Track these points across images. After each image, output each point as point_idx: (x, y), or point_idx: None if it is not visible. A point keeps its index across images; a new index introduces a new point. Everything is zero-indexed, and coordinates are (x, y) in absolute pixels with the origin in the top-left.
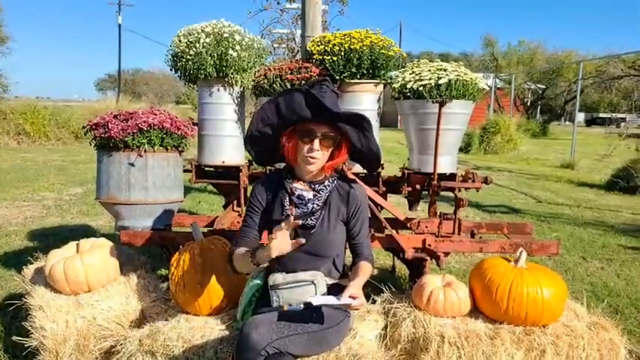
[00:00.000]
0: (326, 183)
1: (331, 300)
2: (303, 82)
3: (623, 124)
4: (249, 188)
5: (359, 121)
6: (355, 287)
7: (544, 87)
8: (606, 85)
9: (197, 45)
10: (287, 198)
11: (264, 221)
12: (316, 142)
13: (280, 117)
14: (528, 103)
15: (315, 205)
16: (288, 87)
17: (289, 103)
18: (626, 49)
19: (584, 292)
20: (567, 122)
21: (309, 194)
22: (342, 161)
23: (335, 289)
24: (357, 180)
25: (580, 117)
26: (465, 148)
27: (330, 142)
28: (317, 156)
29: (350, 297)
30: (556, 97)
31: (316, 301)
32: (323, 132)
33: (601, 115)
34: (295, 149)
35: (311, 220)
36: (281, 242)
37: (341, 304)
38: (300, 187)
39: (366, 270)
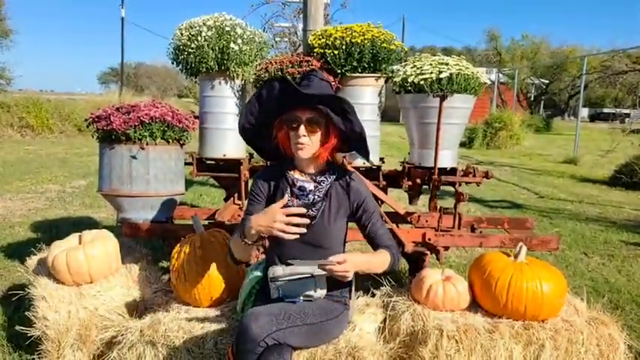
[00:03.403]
0: (327, 174)
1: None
2: None
3: (627, 119)
4: (250, 181)
5: (338, 104)
6: (348, 255)
7: (547, 82)
8: (611, 80)
9: (199, 38)
10: (288, 189)
11: None
12: (302, 127)
13: (265, 107)
14: (532, 98)
15: (316, 197)
16: None
17: (270, 92)
18: (631, 43)
19: (585, 288)
20: (571, 117)
21: (310, 185)
22: (332, 145)
23: (334, 283)
24: (355, 172)
25: (584, 112)
26: (467, 143)
27: (315, 126)
28: (304, 141)
29: (338, 263)
30: (560, 92)
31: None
32: (307, 117)
33: (605, 110)
34: (287, 138)
35: (312, 211)
36: (262, 215)
37: (317, 262)
38: (301, 179)
39: (379, 254)
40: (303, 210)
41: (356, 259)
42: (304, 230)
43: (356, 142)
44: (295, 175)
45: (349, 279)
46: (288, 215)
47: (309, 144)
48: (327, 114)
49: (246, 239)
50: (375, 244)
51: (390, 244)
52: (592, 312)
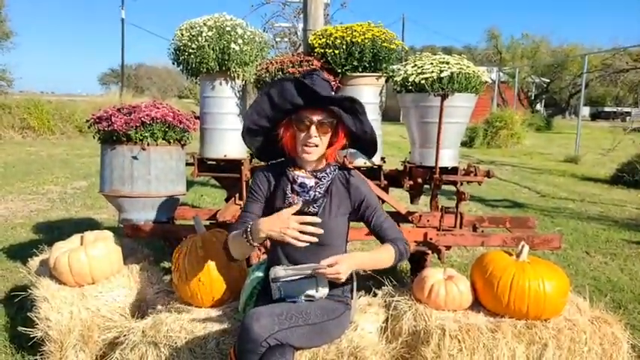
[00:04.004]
0: (327, 171)
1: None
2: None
3: (628, 118)
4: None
5: (351, 104)
6: (341, 256)
7: (548, 80)
8: (611, 78)
9: (199, 38)
10: (289, 186)
11: (265, 209)
12: (313, 128)
13: (275, 107)
14: (532, 97)
15: (317, 193)
16: None
17: (281, 92)
18: (631, 41)
19: (587, 287)
20: (572, 116)
21: (310, 182)
22: (341, 145)
23: (336, 283)
24: (355, 170)
25: (585, 111)
26: (468, 142)
27: (326, 127)
28: (315, 142)
29: (329, 266)
30: (560, 91)
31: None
32: (319, 118)
33: (606, 109)
34: (293, 139)
35: (313, 207)
36: (273, 220)
37: (311, 267)
38: (302, 175)
39: (381, 249)
40: (317, 219)
41: (352, 259)
42: (316, 239)
43: (365, 142)
44: (296, 171)
45: (342, 280)
46: (301, 223)
47: (319, 144)
48: (339, 115)
49: (251, 240)
50: (381, 238)
51: (396, 236)
52: (595, 311)
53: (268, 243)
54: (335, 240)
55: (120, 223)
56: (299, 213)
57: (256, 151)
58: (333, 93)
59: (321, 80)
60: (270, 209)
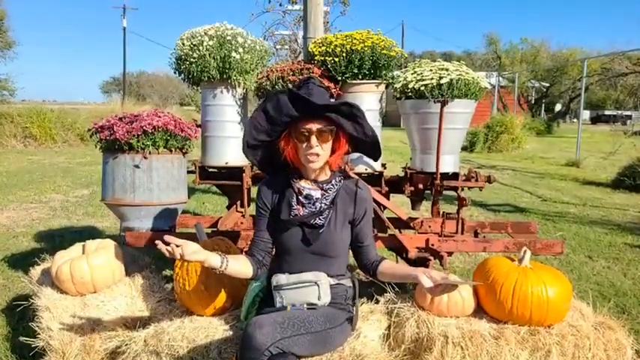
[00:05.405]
0: (333, 182)
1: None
2: None
3: (629, 121)
4: (253, 189)
5: (348, 110)
6: (421, 269)
7: (548, 85)
8: (611, 82)
9: (200, 48)
10: (294, 198)
11: (270, 221)
12: (313, 138)
13: (272, 121)
14: (532, 101)
15: (322, 205)
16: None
17: (277, 106)
18: (630, 45)
19: (590, 292)
20: (573, 120)
21: (316, 193)
22: (344, 151)
23: (338, 291)
24: (360, 179)
25: (585, 115)
26: (469, 147)
27: (326, 136)
28: (317, 152)
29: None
30: (560, 95)
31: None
32: (318, 128)
33: (607, 112)
34: (295, 150)
35: (319, 219)
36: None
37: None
38: (307, 187)
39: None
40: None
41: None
42: None
43: (367, 144)
44: (301, 183)
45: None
46: None
47: (321, 154)
48: (337, 121)
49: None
50: (369, 256)
51: (378, 258)
52: (598, 316)
53: (273, 251)
54: (338, 251)
55: (122, 232)
56: (305, 225)
57: (259, 164)
58: (332, 99)
59: (317, 88)
60: (275, 221)
